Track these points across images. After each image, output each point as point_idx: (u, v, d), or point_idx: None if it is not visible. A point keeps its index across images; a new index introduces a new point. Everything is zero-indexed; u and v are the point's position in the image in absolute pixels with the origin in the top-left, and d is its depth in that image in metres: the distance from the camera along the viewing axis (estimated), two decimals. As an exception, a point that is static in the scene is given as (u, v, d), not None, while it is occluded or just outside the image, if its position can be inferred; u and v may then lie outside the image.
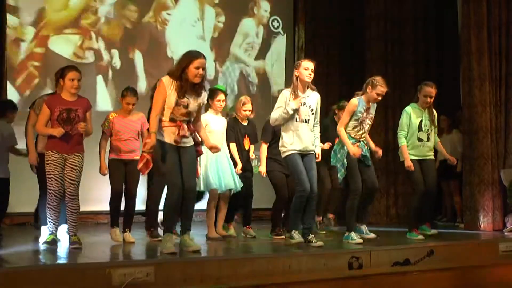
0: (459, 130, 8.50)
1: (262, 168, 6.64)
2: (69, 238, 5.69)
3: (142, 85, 9.02)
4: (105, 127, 6.25)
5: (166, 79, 5.25)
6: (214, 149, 5.63)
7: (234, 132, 6.71)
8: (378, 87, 6.24)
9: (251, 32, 10.11)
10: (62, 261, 5.13)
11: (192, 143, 5.39)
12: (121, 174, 6.20)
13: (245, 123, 6.84)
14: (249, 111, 6.76)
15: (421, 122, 6.64)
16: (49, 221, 5.62)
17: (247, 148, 6.79)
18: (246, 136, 6.79)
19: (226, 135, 6.64)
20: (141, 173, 5.49)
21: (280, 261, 5.23)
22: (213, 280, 4.76)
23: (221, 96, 6.55)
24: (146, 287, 4.52)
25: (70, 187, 5.61)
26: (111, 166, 6.20)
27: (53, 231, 5.65)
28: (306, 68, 5.83)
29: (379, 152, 6.53)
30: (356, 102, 6.29)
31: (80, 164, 5.72)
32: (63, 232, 6.18)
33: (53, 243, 5.60)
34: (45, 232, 6.13)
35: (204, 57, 5.30)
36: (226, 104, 6.79)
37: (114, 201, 6.25)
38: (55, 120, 5.58)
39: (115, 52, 8.97)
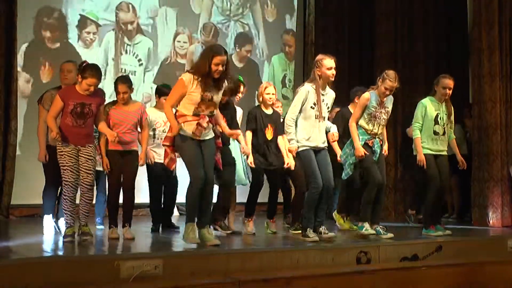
0: (461, 127, 8.48)
1: (290, 161, 6.35)
2: (80, 228, 5.62)
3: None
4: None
5: (186, 77, 5.24)
6: (234, 135, 5.66)
7: (255, 120, 6.43)
8: (387, 80, 6.11)
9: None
10: (70, 253, 5.14)
11: (212, 135, 5.39)
12: (119, 167, 5.90)
13: (269, 111, 6.56)
14: (273, 94, 6.52)
15: (437, 115, 6.50)
16: (66, 213, 5.55)
17: (269, 139, 6.44)
18: (270, 126, 6.48)
19: (246, 122, 6.48)
20: (170, 168, 5.57)
21: (288, 255, 5.23)
22: (221, 273, 4.75)
23: (240, 88, 6.45)
24: (154, 280, 4.53)
25: (88, 177, 5.59)
26: (109, 159, 5.90)
27: (71, 224, 5.55)
28: (329, 68, 5.76)
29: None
30: (368, 96, 6.20)
31: (94, 154, 5.69)
32: (61, 225, 6.14)
33: (73, 235, 5.54)
34: (47, 222, 6.16)
35: (226, 53, 5.27)
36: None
37: (112, 196, 5.96)
38: (68, 113, 5.52)
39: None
